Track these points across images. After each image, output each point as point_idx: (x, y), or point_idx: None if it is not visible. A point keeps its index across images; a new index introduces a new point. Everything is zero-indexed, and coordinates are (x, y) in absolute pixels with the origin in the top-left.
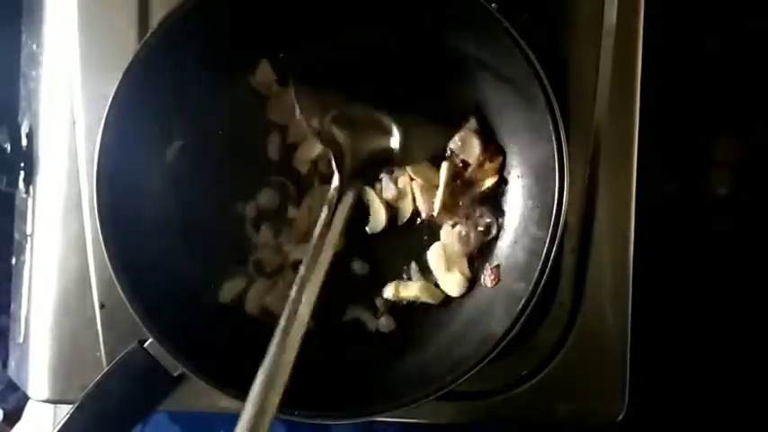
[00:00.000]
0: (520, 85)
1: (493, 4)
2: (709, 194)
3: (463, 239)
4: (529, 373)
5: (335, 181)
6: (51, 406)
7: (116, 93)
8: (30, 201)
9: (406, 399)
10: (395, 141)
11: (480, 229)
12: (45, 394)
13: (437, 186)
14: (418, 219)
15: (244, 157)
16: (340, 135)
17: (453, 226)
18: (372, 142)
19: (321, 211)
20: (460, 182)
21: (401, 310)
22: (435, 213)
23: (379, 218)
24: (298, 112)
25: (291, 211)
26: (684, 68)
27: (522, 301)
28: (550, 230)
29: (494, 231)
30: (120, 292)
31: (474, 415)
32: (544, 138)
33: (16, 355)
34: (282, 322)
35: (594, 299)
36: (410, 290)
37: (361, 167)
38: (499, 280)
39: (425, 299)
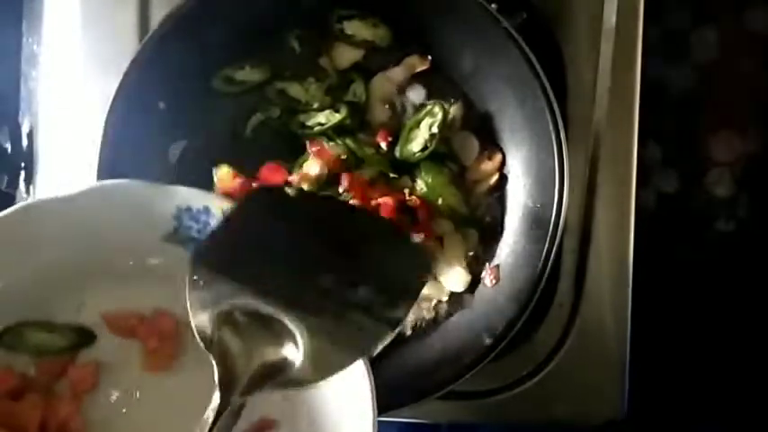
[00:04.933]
0: (519, 84)
1: (493, 5)
2: (708, 194)
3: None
4: (529, 373)
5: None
6: None
7: (117, 93)
8: None
9: (407, 399)
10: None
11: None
12: None
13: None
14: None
15: (246, 157)
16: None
17: (456, 225)
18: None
19: None
20: (463, 181)
21: None
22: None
23: None
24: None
25: None
26: (684, 68)
27: (522, 302)
28: (550, 231)
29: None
30: None
31: (474, 415)
32: (544, 137)
33: None
34: None
35: (594, 299)
36: None
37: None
38: (499, 280)
39: (430, 294)
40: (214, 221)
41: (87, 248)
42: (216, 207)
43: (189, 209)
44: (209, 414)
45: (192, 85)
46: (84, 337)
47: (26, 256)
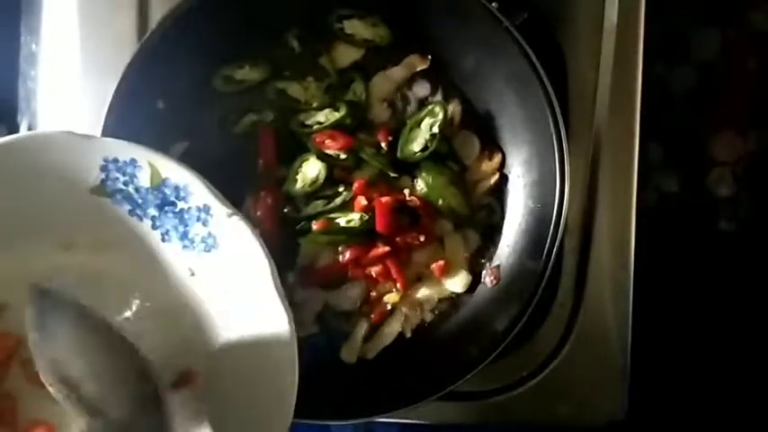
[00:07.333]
0: (520, 84)
1: (493, 4)
2: (709, 194)
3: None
4: (529, 373)
5: None
6: None
7: (116, 92)
8: None
9: (406, 399)
10: None
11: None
12: None
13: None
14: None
15: (248, 159)
16: None
17: (456, 225)
18: None
19: None
20: (464, 181)
21: None
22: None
23: None
24: None
25: None
26: (685, 68)
27: (523, 302)
28: (551, 231)
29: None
30: None
31: (474, 415)
32: (544, 137)
33: None
34: None
35: (594, 299)
36: (418, 289)
37: None
38: (499, 280)
39: (430, 295)
40: (141, 173)
41: (14, 200)
42: (143, 159)
43: (116, 160)
44: None
45: (192, 85)
46: None
47: None
